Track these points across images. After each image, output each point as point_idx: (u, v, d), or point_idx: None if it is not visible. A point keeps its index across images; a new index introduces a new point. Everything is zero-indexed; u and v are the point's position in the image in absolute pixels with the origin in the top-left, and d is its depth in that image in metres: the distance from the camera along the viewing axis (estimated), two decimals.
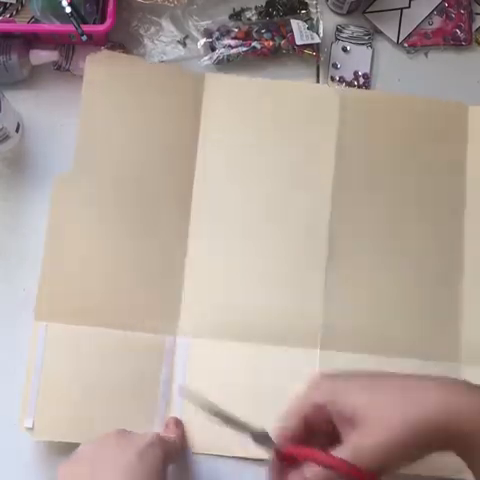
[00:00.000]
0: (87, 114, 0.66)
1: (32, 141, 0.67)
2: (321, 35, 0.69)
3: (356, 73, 0.71)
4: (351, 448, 0.45)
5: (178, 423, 0.60)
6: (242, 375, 0.62)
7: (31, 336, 0.61)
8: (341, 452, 0.45)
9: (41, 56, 0.68)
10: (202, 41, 0.70)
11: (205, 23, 0.71)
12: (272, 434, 0.49)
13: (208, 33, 0.70)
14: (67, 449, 0.56)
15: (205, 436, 0.61)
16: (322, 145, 0.67)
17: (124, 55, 0.69)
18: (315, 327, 0.63)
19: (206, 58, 0.70)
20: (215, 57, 0.69)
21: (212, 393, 0.61)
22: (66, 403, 0.60)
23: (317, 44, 0.70)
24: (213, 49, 0.70)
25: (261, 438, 0.49)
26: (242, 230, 0.65)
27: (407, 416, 0.44)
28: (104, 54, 0.67)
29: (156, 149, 0.66)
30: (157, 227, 0.65)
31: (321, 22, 0.70)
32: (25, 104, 0.68)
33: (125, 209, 0.65)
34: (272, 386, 0.62)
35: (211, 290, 0.64)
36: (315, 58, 0.70)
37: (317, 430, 0.48)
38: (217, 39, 0.70)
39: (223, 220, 0.65)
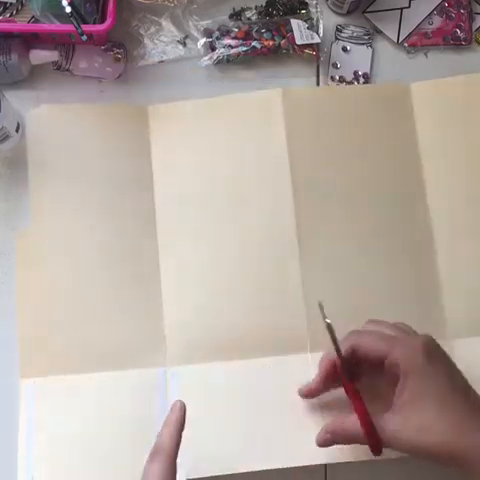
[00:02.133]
0: (37, 175, 0.66)
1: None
2: (321, 35, 0.69)
3: (356, 73, 0.71)
4: (394, 429, 0.50)
5: (182, 407, 0.56)
6: (238, 393, 0.61)
7: (21, 395, 0.61)
8: (385, 425, 0.51)
9: (41, 56, 0.68)
10: (202, 41, 0.70)
11: (205, 23, 0.71)
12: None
13: (208, 33, 0.70)
14: None
15: (209, 458, 0.60)
16: (274, 149, 0.66)
17: (63, 106, 0.67)
18: (301, 331, 0.62)
19: (206, 58, 0.70)
20: (215, 57, 0.69)
21: (209, 417, 0.60)
22: (68, 455, 0.60)
23: (317, 44, 0.69)
24: (213, 49, 0.70)
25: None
26: (211, 249, 0.64)
27: (444, 436, 0.49)
28: (43, 109, 0.67)
29: (112, 188, 0.66)
30: (130, 268, 0.64)
31: (321, 22, 0.70)
32: (25, 104, 0.68)
33: (92, 249, 0.64)
34: (272, 398, 0.61)
35: (192, 314, 0.63)
36: (315, 57, 0.70)
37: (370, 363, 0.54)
38: (217, 39, 0.70)
39: (191, 242, 0.65)
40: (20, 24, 0.67)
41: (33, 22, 0.67)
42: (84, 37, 0.63)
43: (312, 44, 0.69)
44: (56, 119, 0.67)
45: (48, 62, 0.68)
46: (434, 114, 0.68)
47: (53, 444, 0.60)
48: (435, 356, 0.52)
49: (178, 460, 0.51)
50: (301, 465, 0.58)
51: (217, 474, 0.59)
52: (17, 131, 0.66)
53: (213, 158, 0.67)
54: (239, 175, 0.66)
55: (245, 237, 0.65)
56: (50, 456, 0.59)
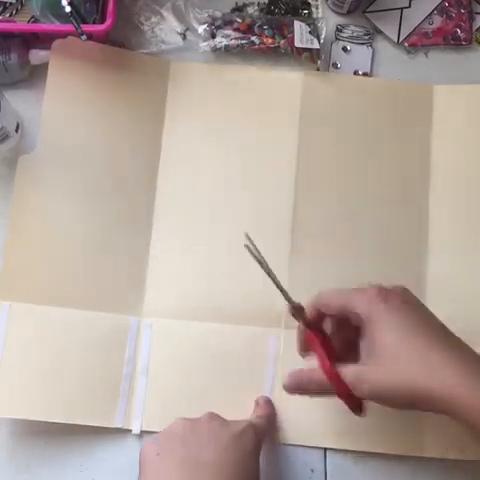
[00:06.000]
0: (51, 98, 0.67)
1: (32, 141, 0.67)
2: (322, 41, 0.69)
3: (356, 73, 0.71)
4: (358, 372, 0.49)
5: (268, 402, 0.61)
6: (206, 355, 0.62)
7: None
8: (348, 369, 0.49)
9: (41, 56, 0.67)
10: (203, 26, 0.70)
11: (206, 16, 0.70)
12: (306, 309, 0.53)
13: (211, 19, 0.70)
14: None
15: (165, 413, 0.60)
16: (285, 128, 0.68)
17: (90, 42, 0.67)
18: (280, 309, 0.62)
19: (205, 44, 0.69)
20: (213, 44, 0.69)
21: (176, 373, 0.62)
22: (29, 381, 0.61)
23: (316, 49, 0.69)
24: (213, 37, 0.69)
25: (296, 310, 0.53)
26: (207, 214, 0.66)
27: (414, 379, 0.46)
28: (70, 41, 0.66)
29: (121, 134, 0.67)
30: (123, 210, 0.66)
31: (325, 29, 0.69)
32: (25, 104, 0.68)
33: (90, 192, 0.66)
34: (238, 366, 0.62)
35: (176, 272, 0.65)
36: (312, 61, 0.69)
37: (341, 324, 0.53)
38: (219, 27, 0.69)
39: (188, 204, 0.66)
40: (20, 24, 0.67)
41: (33, 22, 0.67)
42: (84, 37, 0.63)
43: (311, 49, 0.69)
44: (78, 53, 0.67)
45: (48, 62, 0.68)
46: (453, 119, 0.69)
47: (18, 369, 0.61)
48: (392, 300, 0.50)
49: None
50: None
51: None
52: (17, 131, 0.66)
53: (221, 125, 0.68)
54: (244, 145, 0.68)
55: (240, 208, 0.66)
56: (13, 381, 0.60)
